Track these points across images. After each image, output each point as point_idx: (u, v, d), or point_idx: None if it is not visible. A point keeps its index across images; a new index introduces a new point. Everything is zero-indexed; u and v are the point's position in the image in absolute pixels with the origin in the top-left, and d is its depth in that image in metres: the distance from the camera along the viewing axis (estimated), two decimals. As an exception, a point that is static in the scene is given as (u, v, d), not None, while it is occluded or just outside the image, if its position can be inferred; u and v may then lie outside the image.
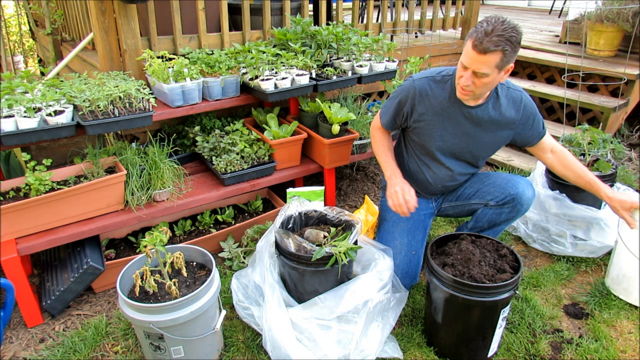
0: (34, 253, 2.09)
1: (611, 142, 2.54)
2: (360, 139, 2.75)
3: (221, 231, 2.41)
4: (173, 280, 1.67)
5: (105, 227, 2.09)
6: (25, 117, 1.87)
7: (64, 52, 3.47)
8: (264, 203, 2.71)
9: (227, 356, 1.83)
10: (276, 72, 2.55)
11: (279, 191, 2.75)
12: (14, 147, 2.08)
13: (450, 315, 1.74)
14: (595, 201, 2.41)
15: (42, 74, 3.17)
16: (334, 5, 3.36)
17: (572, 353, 1.86)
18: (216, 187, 2.42)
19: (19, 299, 1.92)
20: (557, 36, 4.59)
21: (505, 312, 1.70)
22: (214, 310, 1.72)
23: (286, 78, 2.47)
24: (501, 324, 1.73)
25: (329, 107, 2.64)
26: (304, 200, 2.11)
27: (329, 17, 3.36)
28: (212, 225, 2.49)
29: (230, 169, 2.41)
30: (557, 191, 2.42)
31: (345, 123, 2.66)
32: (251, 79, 2.53)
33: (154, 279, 1.65)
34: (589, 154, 2.49)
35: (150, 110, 2.12)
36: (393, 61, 2.92)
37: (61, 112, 1.95)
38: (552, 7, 6.35)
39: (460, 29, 4.22)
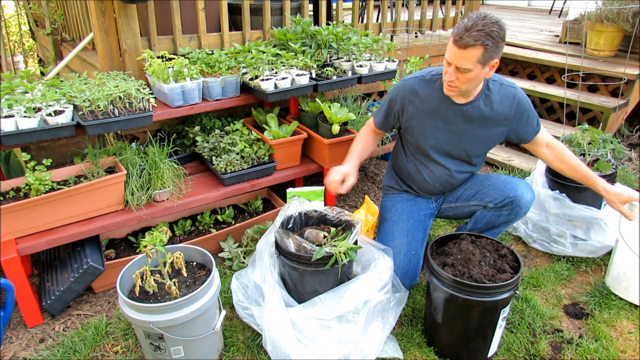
0: (34, 253, 2.09)
1: (611, 142, 2.54)
2: (360, 139, 2.74)
3: (221, 231, 2.41)
4: (173, 280, 1.67)
5: (105, 227, 2.09)
6: (25, 117, 1.87)
7: (64, 52, 3.47)
8: (264, 203, 2.71)
9: (227, 356, 1.83)
10: (276, 72, 2.55)
11: (279, 191, 2.75)
12: (14, 147, 2.08)
13: (450, 315, 1.74)
14: (595, 201, 2.41)
15: (42, 74, 3.17)
16: (334, 5, 3.36)
17: (572, 353, 1.86)
18: (216, 187, 2.42)
19: (19, 299, 1.92)
20: (557, 36, 4.59)
21: (505, 312, 1.70)
22: (214, 310, 1.72)
23: (286, 78, 2.47)
24: (501, 324, 1.73)
25: (329, 107, 2.64)
26: (304, 200, 2.11)
27: (329, 17, 3.36)
28: (212, 225, 2.49)
29: (230, 169, 2.41)
30: (557, 191, 2.42)
31: (345, 123, 2.66)
32: (251, 79, 2.53)
33: (154, 279, 1.65)
34: (589, 154, 2.49)
35: (150, 110, 2.12)
36: (393, 61, 2.92)
37: (61, 112, 1.95)
38: (552, 7, 6.35)
39: (460, 29, 4.21)
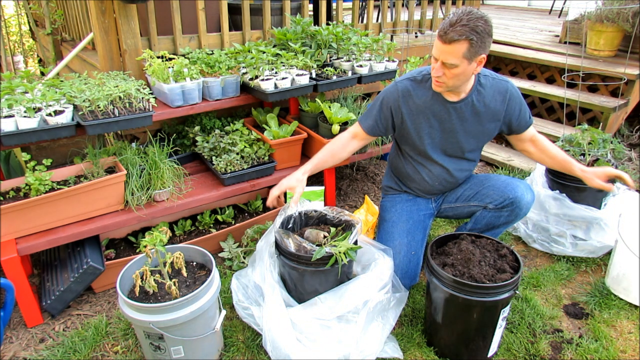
0: (34, 253, 2.09)
1: (611, 142, 2.54)
2: (360, 139, 2.74)
3: (221, 231, 2.41)
4: (173, 280, 1.67)
5: (105, 227, 2.09)
6: (25, 117, 1.87)
7: (64, 52, 3.47)
8: (264, 203, 2.71)
9: (227, 356, 1.83)
10: (276, 72, 2.55)
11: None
12: (14, 147, 2.08)
13: (450, 315, 1.74)
14: (595, 201, 2.41)
15: (42, 74, 3.17)
16: (334, 5, 3.36)
17: (572, 353, 1.86)
18: (216, 187, 2.42)
19: (19, 299, 1.92)
20: (557, 36, 4.59)
21: (505, 312, 1.70)
22: (214, 310, 1.72)
23: (286, 78, 2.47)
24: (501, 324, 1.73)
25: (329, 107, 2.65)
26: (304, 200, 2.11)
27: (329, 17, 3.36)
28: (212, 225, 2.49)
29: (230, 169, 2.41)
30: (557, 191, 2.42)
31: (345, 123, 2.66)
32: (251, 79, 2.53)
33: (154, 279, 1.65)
34: (589, 154, 2.49)
35: (150, 110, 2.12)
36: (393, 61, 2.92)
37: (61, 112, 1.95)
38: (552, 7, 6.34)
39: (460, 29, 4.21)
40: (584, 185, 2.37)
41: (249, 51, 2.59)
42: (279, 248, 1.80)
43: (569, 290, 2.24)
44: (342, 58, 2.86)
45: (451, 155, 2.05)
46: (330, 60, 2.91)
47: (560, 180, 2.44)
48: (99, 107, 2.00)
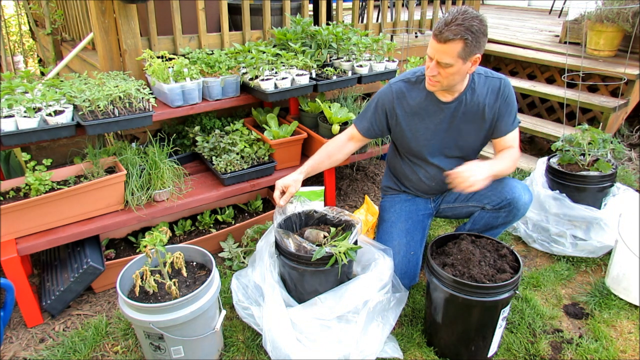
0: (34, 253, 2.09)
1: (611, 142, 2.54)
2: (360, 139, 2.74)
3: (221, 231, 2.41)
4: (173, 280, 1.67)
5: (105, 227, 2.09)
6: (25, 117, 1.87)
7: (64, 52, 3.47)
8: (264, 203, 2.71)
9: (227, 356, 1.83)
10: (276, 72, 2.55)
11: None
12: (14, 147, 2.08)
13: (450, 315, 1.74)
14: (595, 201, 2.41)
15: (42, 74, 3.17)
16: (334, 5, 3.36)
17: (572, 353, 1.86)
18: (216, 187, 2.42)
19: (19, 299, 1.92)
20: (557, 36, 4.58)
21: (505, 312, 1.70)
22: (214, 310, 1.72)
23: (286, 78, 2.47)
24: (501, 324, 1.73)
25: (329, 107, 2.65)
26: (304, 200, 2.11)
27: (329, 17, 3.36)
28: (212, 225, 2.49)
29: (230, 169, 2.41)
30: (557, 191, 2.42)
31: (345, 123, 2.66)
32: (251, 79, 2.53)
33: (154, 279, 1.65)
34: (589, 154, 2.49)
35: (150, 110, 2.12)
36: (393, 61, 2.92)
37: (61, 112, 1.95)
38: (552, 7, 6.34)
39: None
40: (584, 185, 2.38)
41: (249, 51, 2.59)
42: (279, 248, 1.80)
43: (569, 290, 2.24)
44: (342, 58, 2.86)
45: (447, 156, 2.05)
46: (330, 60, 2.91)
47: (560, 180, 2.44)
48: (99, 107, 2.00)
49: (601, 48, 3.81)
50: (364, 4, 4.21)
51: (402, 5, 3.85)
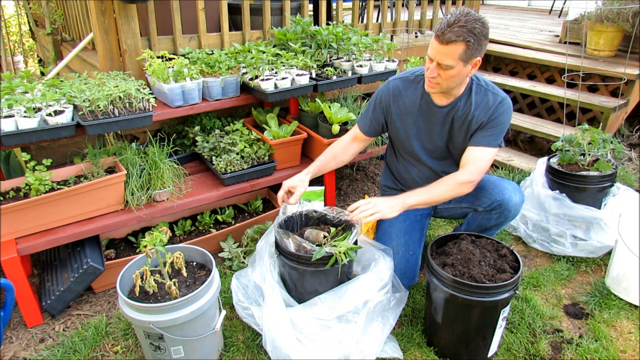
0: (34, 253, 2.09)
1: (611, 142, 2.54)
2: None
3: (221, 231, 2.41)
4: (173, 280, 1.67)
5: (105, 227, 2.09)
6: (25, 117, 1.87)
7: (64, 52, 3.47)
8: (264, 203, 2.71)
9: (227, 356, 1.83)
10: (276, 72, 2.55)
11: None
12: (14, 147, 2.08)
13: (450, 315, 1.74)
14: (595, 201, 2.41)
15: (42, 74, 3.17)
16: (334, 5, 3.36)
17: (572, 353, 1.86)
18: (216, 187, 2.42)
19: (19, 299, 1.92)
20: (557, 36, 4.58)
21: (505, 312, 1.70)
22: (214, 310, 1.72)
23: (286, 78, 2.47)
24: (501, 324, 1.73)
25: (329, 107, 2.65)
26: (304, 200, 2.11)
27: (329, 17, 3.36)
28: (212, 225, 2.49)
29: (230, 169, 2.40)
30: (557, 191, 2.42)
31: (345, 123, 2.66)
32: (251, 79, 2.53)
33: (154, 279, 1.65)
34: (589, 154, 2.49)
35: (150, 110, 2.12)
36: (393, 61, 2.92)
37: (61, 112, 1.95)
38: (552, 7, 6.34)
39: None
40: (584, 185, 2.38)
41: (249, 51, 2.59)
42: (279, 248, 1.80)
43: (569, 290, 2.24)
44: (342, 58, 2.86)
45: (440, 158, 2.04)
46: (330, 60, 2.91)
47: (560, 180, 2.44)
48: (99, 107, 2.00)
49: (601, 48, 3.81)
50: (364, 4, 4.21)
51: (402, 5, 3.85)
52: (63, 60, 2.82)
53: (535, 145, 3.86)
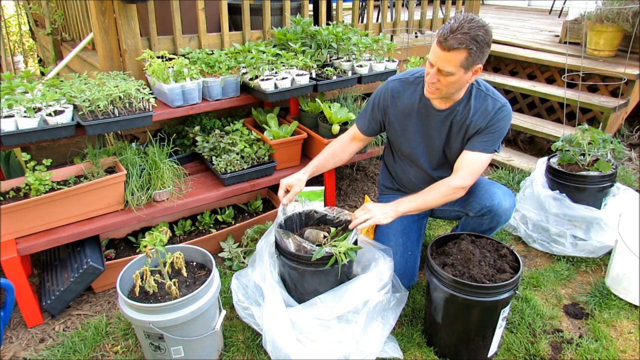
0: (34, 253, 2.09)
1: (611, 142, 2.54)
2: (360, 139, 2.74)
3: (221, 231, 2.41)
4: (173, 280, 1.67)
5: (105, 227, 2.09)
6: (25, 117, 1.87)
7: (64, 52, 3.47)
8: (264, 203, 2.71)
9: (227, 356, 1.83)
10: (276, 72, 2.55)
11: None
12: (14, 147, 2.08)
13: (450, 315, 1.74)
14: (595, 201, 2.41)
15: (42, 74, 3.17)
16: (334, 5, 3.36)
17: (572, 353, 1.86)
18: (216, 187, 2.42)
19: (19, 299, 1.92)
20: (557, 36, 4.59)
21: (505, 312, 1.70)
22: (214, 310, 1.72)
23: (286, 78, 2.47)
24: (501, 324, 1.73)
25: (329, 107, 2.65)
26: (304, 200, 2.11)
27: (329, 17, 3.36)
28: (212, 225, 2.49)
29: (230, 169, 2.41)
30: (557, 191, 2.42)
31: (345, 123, 2.66)
32: (251, 79, 2.53)
33: (154, 279, 1.65)
34: (589, 154, 2.49)
35: (150, 110, 2.12)
36: (393, 61, 2.92)
37: (61, 112, 1.95)
38: (552, 7, 6.34)
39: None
40: (584, 185, 2.38)
41: (249, 51, 2.59)
42: (279, 248, 1.80)
43: (569, 290, 2.24)
44: (342, 58, 2.86)
45: (436, 162, 2.02)
46: (330, 60, 2.91)
47: (560, 180, 2.44)
48: (99, 107, 2.00)
49: (601, 48, 3.81)
50: (364, 4, 4.21)
51: (402, 5, 3.85)
52: (63, 60, 2.82)
53: (535, 145, 3.86)
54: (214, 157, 2.47)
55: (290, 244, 1.76)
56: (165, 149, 2.32)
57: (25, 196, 1.98)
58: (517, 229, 2.62)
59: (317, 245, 1.76)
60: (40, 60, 4.39)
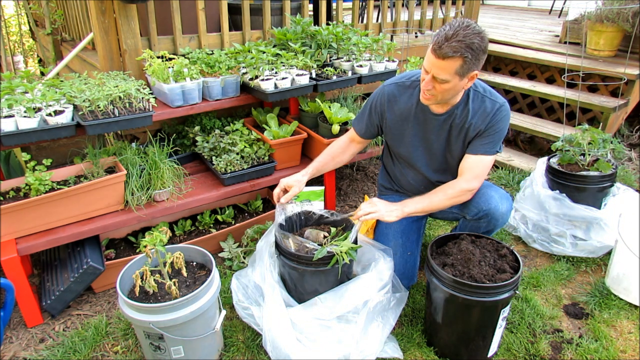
0: (34, 253, 2.09)
1: (611, 142, 2.54)
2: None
3: (221, 231, 2.41)
4: (173, 280, 1.67)
5: (105, 227, 2.09)
6: (25, 117, 1.87)
7: (64, 52, 3.47)
8: (264, 203, 2.71)
9: (227, 356, 1.83)
10: (276, 72, 2.55)
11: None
12: (14, 147, 2.08)
13: (450, 315, 1.74)
14: (595, 201, 2.41)
15: (42, 74, 3.17)
16: (334, 5, 3.36)
17: (572, 353, 1.86)
18: (216, 187, 2.42)
19: (19, 299, 1.92)
20: (557, 36, 4.59)
21: (505, 312, 1.70)
22: (214, 310, 1.72)
23: (286, 78, 2.47)
24: (501, 324, 1.73)
25: (329, 107, 2.65)
26: (304, 200, 2.11)
27: (329, 17, 3.36)
28: (212, 225, 2.49)
29: (230, 169, 2.41)
30: (557, 191, 2.42)
31: (345, 123, 2.66)
32: (251, 79, 2.53)
33: (154, 279, 1.65)
34: (589, 154, 2.49)
35: (150, 110, 2.12)
36: (393, 61, 2.92)
37: (61, 112, 1.95)
38: (552, 7, 6.34)
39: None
40: (584, 185, 2.38)
41: (249, 51, 2.59)
42: (279, 248, 1.80)
43: (569, 290, 2.24)
44: (342, 58, 2.86)
45: (434, 166, 2.02)
46: (330, 60, 2.91)
47: (560, 180, 2.44)
48: (99, 107, 2.00)
49: (601, 48, 3.81)
50: (364, 4, 4.21)
51: (402, 5, 3.85)
52: (63, 60, 2.82)
53: (535, 145, 3.86)
54: (214, 157, 2.47)
55: (291, 244, 1.77)
56: (165, 149, 2.32)
57: (25, 196, 1.98)
58: (517, 229, 2.62)
59: (317, 245, 1.76)
60: (40, 60, 4.39)
